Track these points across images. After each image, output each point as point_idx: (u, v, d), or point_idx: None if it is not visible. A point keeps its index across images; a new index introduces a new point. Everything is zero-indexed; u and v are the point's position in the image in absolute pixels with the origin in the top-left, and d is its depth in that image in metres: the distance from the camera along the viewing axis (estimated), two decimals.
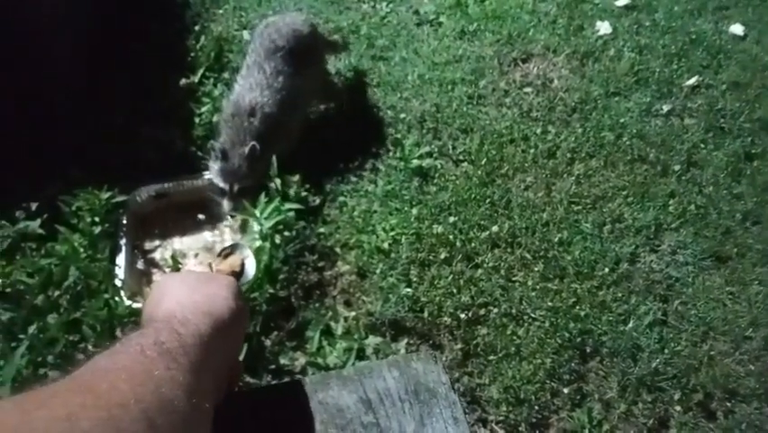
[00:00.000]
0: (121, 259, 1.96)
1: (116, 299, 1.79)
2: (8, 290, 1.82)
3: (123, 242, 2.01)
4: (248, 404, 0.87)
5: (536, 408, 1.76)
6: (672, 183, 2.38)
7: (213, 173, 2.13)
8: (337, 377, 0.89)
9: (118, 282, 1.88)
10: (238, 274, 0.93)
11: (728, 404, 1.81)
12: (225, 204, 2.13)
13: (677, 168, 2.43)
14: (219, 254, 0.99)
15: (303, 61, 2.34)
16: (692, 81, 2.80)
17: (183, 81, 2.58)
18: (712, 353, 1.91)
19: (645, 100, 2.71)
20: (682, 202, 2.31)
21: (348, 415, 0.85)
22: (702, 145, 2.54)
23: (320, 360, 1.81)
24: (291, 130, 2.31)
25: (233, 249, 0.99)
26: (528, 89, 2.78)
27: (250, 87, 2.22)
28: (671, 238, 2.20)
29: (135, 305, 1.77)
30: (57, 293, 1.83)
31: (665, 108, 2.68)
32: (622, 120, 2.61)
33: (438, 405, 0.86)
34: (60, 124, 2.23)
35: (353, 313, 1.98)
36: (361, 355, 1.83)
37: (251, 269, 0.97)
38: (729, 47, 2.99)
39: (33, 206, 2.00)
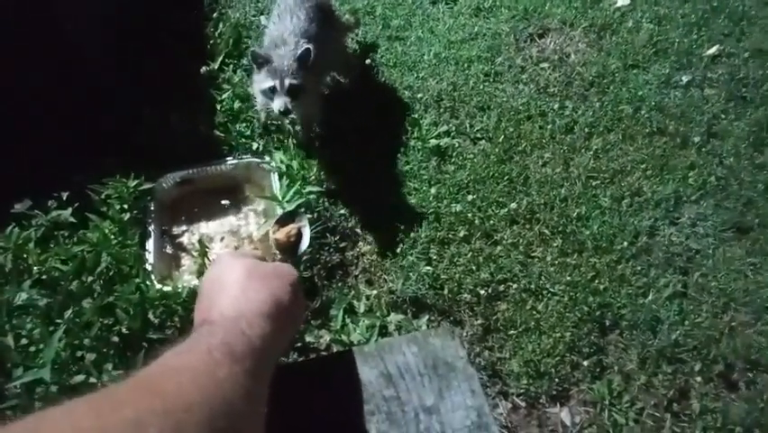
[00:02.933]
0: (150, 244, 2.03)
1: (147, 282, 1.85)
2: (44, 276, 1.89)
3: (151, 228, 2.07)
4: (300, 376, 0.92)
5: (557, 380, 1.80)
6: (692, 155, 2.36)
7: (259, 79, 2.09)
8: (359, 353, 0.94)
9: (148, 267, 1.95)
10: (294, 243, 0.93)
11: (750, 374, 1.82)
12: (276, 102, 2.05)
13: (697, 139, 2.41)
14: (276, 222, 0.97)
15: (326, 23, 2.36)
16: (713, 50, 2.76)
17: (203, 69, 2.62)
18: (733, 324, 1.92)
19: (664, 72, 2.68)
20: (702, 174, 2.30)
21: (370, 389, 0.89)
22: (723, 116, 2.51)
23: (344, 337, 1.86)
24: (315, 91, 2.31)
25: (290, 216, 0.98)
26: (545, 65, 2.77)
27: (286, 26, 2.23)
28: (690, 210, 2.20)
29: (165, 288, 1.83)
30: (90, 279, 1.90)
31: (685, 79, 2.65)
32: (640, 93, 2.59)
33: (456, 378, 0.90)
34: (87, 113, 2.28)
35: (375, 291, 2.02)
36: (383, 332, 1.88)
37: (306, 238, 0.95)
38: (753, 12, 2.93)
39: (64, 195, 2.07)
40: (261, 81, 2.07)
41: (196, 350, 0.58)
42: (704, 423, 1.70)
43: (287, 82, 2.03)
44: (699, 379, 1.80)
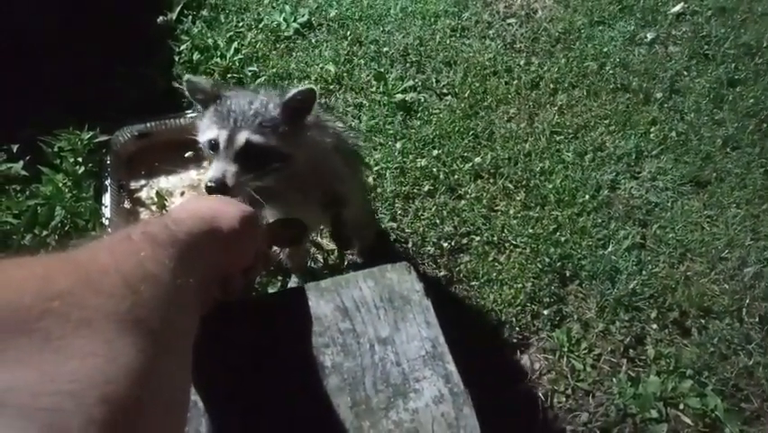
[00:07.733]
0: (107, 198, 1.96)
1: (104, 237, 1.81)
2: None
3: (108, 181, 2.00)
4: (253, 308, 0.91)
5: (517, 329, 1.83)
6: (654, 111, 2.39)
7: (202, 122, 1.24)
8: (315, 288, 0.93)
9: (105, 221, 1.90)
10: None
11: (702, 321, 1.87)
12: (212, 168, 1.14)
13: (659, 96, 2.43)
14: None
15: None
16: (677, 8, 2.77)
17: (160, 19, 2.52)
18: (689, 273, 1.97)
19: (630, 29, 2.68)
20: (664, 129, 2.32)
21: (326, 323, 0.88)
22: (685, 73, 2.53)
23: None
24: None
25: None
26: (512, 20, 2.74)
27: None
28: (651, 165, 2.23)
29: None
30: (44, 233, 1.84)
31: (649, 36, 2.66)
32: (605, 49, 2.59)
33: (411, 311, 0.90)
34: (33, 64, 2.19)
35: None
36: None
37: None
38: None
39: (14, 148, 1.99)
40: (204, 125, 1.23)
41: (114, 236, 0.59)
42: (658, 367, 1.75)
43: (242, 139, 1.15)
44: (654, 326, 1.85)
